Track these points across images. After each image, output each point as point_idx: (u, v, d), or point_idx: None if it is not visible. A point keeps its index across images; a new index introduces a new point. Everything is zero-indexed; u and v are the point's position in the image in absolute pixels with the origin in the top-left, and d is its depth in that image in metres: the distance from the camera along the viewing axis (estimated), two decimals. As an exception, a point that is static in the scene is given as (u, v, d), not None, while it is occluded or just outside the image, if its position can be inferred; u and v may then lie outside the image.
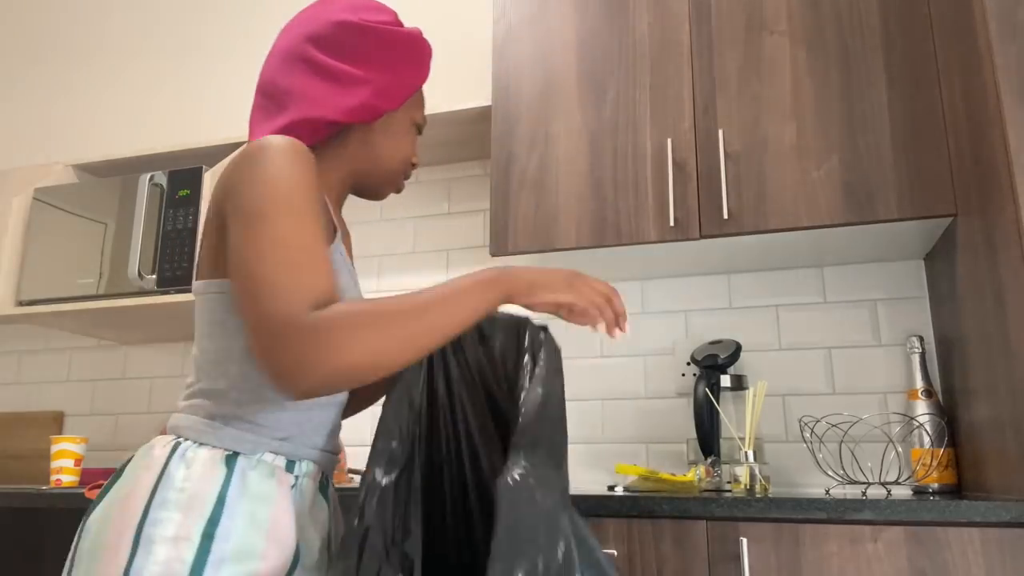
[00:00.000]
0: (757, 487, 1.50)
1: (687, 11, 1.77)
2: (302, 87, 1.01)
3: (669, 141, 1.68)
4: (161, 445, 0.91)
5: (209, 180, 1.97)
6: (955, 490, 1.56)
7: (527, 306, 0.96)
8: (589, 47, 1.83)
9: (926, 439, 1.59)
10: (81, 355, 2.53)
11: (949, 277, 1.60)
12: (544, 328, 1.03)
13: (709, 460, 1.65)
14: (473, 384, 1.05)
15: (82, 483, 2.01)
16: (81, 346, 2.53)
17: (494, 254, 1.78)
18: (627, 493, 1.37)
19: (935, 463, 1.55)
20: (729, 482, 1.64)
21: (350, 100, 1.01)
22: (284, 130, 1.00)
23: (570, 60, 1.83)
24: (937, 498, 1.22)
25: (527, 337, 1.01)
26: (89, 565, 0.84)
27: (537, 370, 0.95)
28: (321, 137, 1.03)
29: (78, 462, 1.99)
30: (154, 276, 1.93)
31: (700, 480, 1.60)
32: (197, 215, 1.94)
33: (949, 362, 1.63)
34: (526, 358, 0.99)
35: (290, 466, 0.93)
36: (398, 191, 1.15)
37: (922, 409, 1.61)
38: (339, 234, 1.01)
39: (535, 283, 0.95)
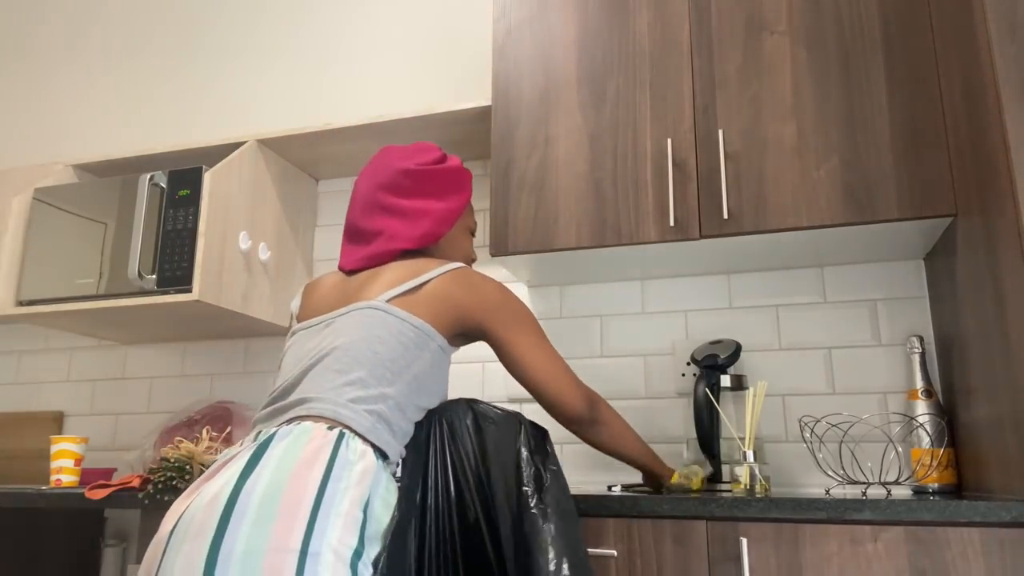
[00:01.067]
0: (757, 487, 1.50)
1: (687, 11, 1.77)
2: (380, 226, 1.36)
3: (669, 141, 1.68)
4: (322, 431, 1.08)
5: (209, 180, 1.96)
6: (955, 490, 1.56)
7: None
8: (589, 47, 1.83)
9: (926, 439, 1.59)
10: (81, 355, 2.53)
11: (949, 277, 1.60)
12: (545, 433, 1.24)
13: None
14: (463, 471, 1.20)
15: (82, 483, 2.01)
16: (81, 346, 2.53)
17: (494, 254, 1.78)
18: (627, 493, 1.37)
19: (935, 463, 1.55)
20: (729, 482, 1.63)
21: (416, 231, 1.36)
22: (368, 257, 1.35)
23: (570, 60, 1.83)
24: (937, 498, 1.22)
25: (523, 432, 1.20)
26: (260, 523, 0.95)
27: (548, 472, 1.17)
28: (431, 244, 1.39)
29: (78, 462, 1.99)
30: (154, 276, 1.93)
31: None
32: (197, 215, 1.94)
33: (949, 362, 1.63)
34: (523, 452, 1.18)
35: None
36: None
37: (922, 409, 1.61)
38: None
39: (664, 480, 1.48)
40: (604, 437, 1.36)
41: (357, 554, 0.98)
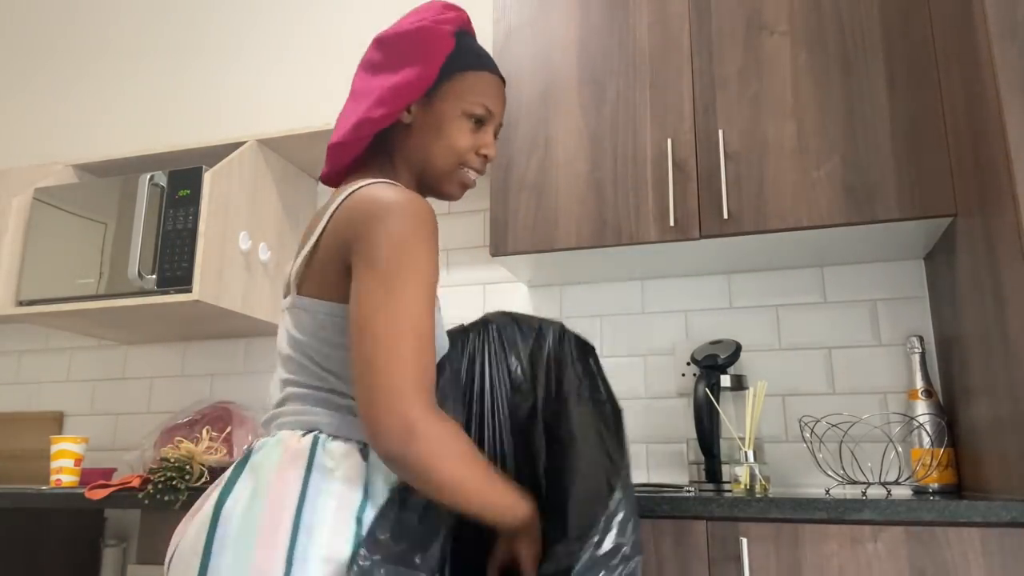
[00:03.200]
0: (757, 487, 1.50)
1: (687, 11, 1.77)
2: (350, 108, 1.11)
3: (669, 141, 1.68)
4: (296, 438, 0.97)
5: (209, 180, 1.96)
6: (955, 490, 1.56)
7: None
8: (589, 47, 1.82)
9: (926, 439, 1.59)
10: (81, 355, 2.53)
11: (949, 277, 1.60)
12: (585, 344, 1.14)
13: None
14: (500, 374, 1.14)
15: (82, 483, 2.01)
16: (81, 346, 2.53)
17: (494, 254, 1.78)
18: (627, 493, 1.37)
19: (935, 463, 1.55)
20: (729, 482, 1.64)
21: (346, 122, 1.09)
22: (335, 146, 1.09)
23: (570, 60, 1.83)
24: (937, 498, 1.22)
25: (564, 346, 1.14)
26: (241, 550, 0.88)
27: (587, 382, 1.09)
28: (365, 141, 1.09)
29: (78, 462, 1.99)
30: (154, 276, 1.93)
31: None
32: (197, 215, 1.93)
33: (949, 362, 1.63)
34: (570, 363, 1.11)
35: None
36: (464, 187, 1.15)
37: (922, 409, 1.61)
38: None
39: (517, 551, 1.02)
40: (424, 488, 0.92)
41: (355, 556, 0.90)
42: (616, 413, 1.06)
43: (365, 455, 0.97)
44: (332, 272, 0.99)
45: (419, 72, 1.07)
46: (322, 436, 0.97)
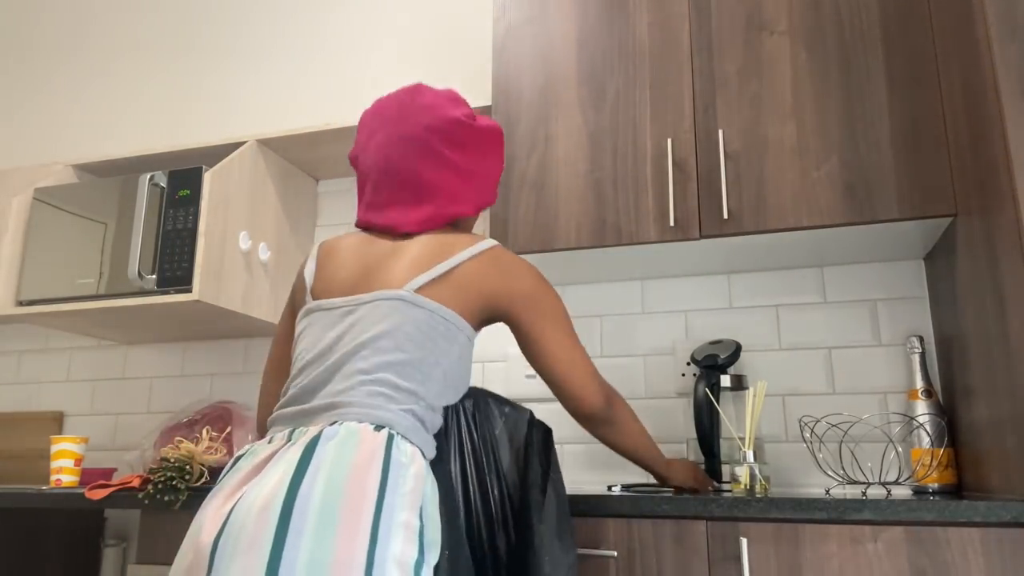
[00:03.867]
0: (757, 487, 1.50)
1: (687, 11, 1.77)
2: (438, 180, 1.24)
3: (669, 141, 1.68)
4: (370, 432, 1.03)
5: (209, 180, 1.96)
6: (955, 490, 1.56)
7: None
8: (589, 47, 1.82)
9: (926, 439, 1.59)
10: (81, 355, 2.53)
11: (949, 277, 1.60)
12: (548, 431, 1.25)
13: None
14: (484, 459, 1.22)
15: (82, 483, 2.01)
16: (81, 346, 2.53)
17: (494, 254, 1.78)
18: (627, 493, 1.37)
19: (935, 463, 1.55)
20: (729, 482, 1.63)
21: (479, 197, 1.29)
22: (427, 220, 1.23)
23: (570, 60, 1.83)
24: (937, 498, 1.22)
25: (533, 433, 1.23)
26: (320, 543, 0.90)
27: (551, 473, 1.19)
28: (444, 224, 1.26)
29: (78, 462, 1.99)
30: (154, 276, 1.93)
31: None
32: (197, 215, 1.93)
33: (949, 362, 1.63)
34: (531, 449, 1.21)
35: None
36: None
37: (922, 409, 1.61)
38: None
39: (674, 482, 1.44)
40: (616, 437, 1.32)
41: (418, 565, 0.95)
42: (561, 496, 1.19)
43: (425, 458, 1.08)
44: (473, 298, 1.19)
45: (502, 164, 1.35)
46: (396, 435, 1.04)
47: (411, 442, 1.06)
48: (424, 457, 1.07)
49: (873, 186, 1.55)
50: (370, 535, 0.91)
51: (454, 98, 1.30)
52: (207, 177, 1.97)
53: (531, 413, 1.25)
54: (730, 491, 1.53)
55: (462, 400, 1.22)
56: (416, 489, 1.00)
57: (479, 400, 1.23)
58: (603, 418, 1.27)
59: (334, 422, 1.04)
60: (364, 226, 1.29)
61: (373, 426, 1.04)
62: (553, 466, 1.19)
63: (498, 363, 2.08)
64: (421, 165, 1.23)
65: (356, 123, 2.04)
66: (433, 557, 0.99)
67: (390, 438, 1.03)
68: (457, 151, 1.25)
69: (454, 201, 1.24)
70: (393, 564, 0.91)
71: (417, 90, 1.29)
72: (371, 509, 0.93)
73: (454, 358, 1.16)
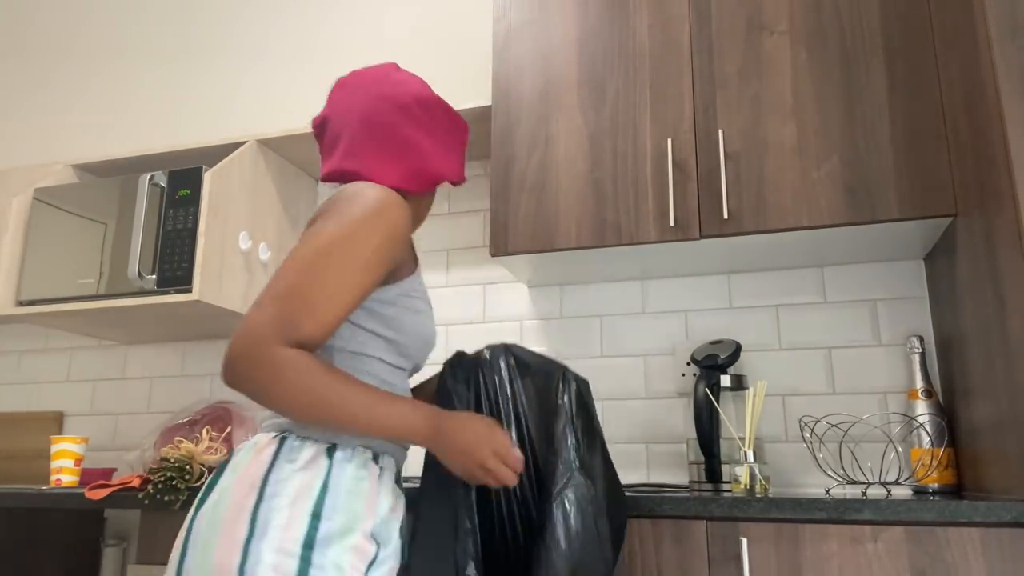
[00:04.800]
0: (757, 487, 1.50)
1: (687, 11, 1.77)
2: (420, 142, 1.19)
3: (669, 141, 1.68)
4: (267, 440, 1.04)
5: (209, 180, 1.96)
6: (955, 490, 1.56)
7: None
8: (589, 47, 1.82)
9: (926, 439, 1.59)
10: (81, 355, 2.53)
11: (949, 277, 1.60)
12: (584, 383, 1.18)
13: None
14: (509, 410, 1.19)
15: (82, 483, 2.01)
16: (81, 346, 2.53)
17: (494, 254, 1.78)
18: (627, 493, 1.37)
19: (935, 463, 1.55)
20: (729, 482, 1.64)
21: (455, 168, 1.23)
22: (405, 177, 1.16)
23: (570, 60, 1.83)
24: (937, 498, 1.22)
25: (565, 385, 1.17)
26: (206, 549, 0.94)
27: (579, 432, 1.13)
28: (428, 188, 1.20)
29: (78, 462, 1.99)
30: (154, 276, 1.93)
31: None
32: (197, 215, 1.94)
33: (949, 362, 1.63)
34: (564, 400, 1.15)
35: (375, 458, 1.08)
36: None
37: (922, 409, 1.61)
38: (419, 266, 1.20)
39: (446, 461, 1.07)
40: (279, 390, 0.96)
41: (306, 560, 0.94)
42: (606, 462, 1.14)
43: (331, 454, 1.03)
44: None
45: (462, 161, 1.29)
46: (290, 437, 1.04)
47: (312, 440, 1.04)
48: (333, 449, 1.04)
49: (873, 186, 1.55)
50: (247, 531, 0.94)
51: (416, 80, 1.26)
52: (207, 177, 1.97)
53: (563, 367, 1.19)
54: (730, 491, 1.53)
55: (479, 365, 1.20)
56: (309, 479, 0.99)
57: (496, 360, 1.19)
58: (250, 358, 0.95)
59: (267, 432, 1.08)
60: (336, 174, 1.20)
61: (275, 434, 1.05)
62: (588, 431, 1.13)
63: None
64: (403, 126, 1.19)
65: (356, 123, 2.04)
66: (343, 546, 0.97)
67: (282, 440, 1.03)
68: (435, 122, 1.22)
69: (433, 161, 1.19)
70: (271, 552, 0.93)
71: (394, 67, 1.27)
72: (250, 507, 0.96)
73: (349, 337, 1.09)
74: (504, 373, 1.19)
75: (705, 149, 1.68)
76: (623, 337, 2.00)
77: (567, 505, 1.08)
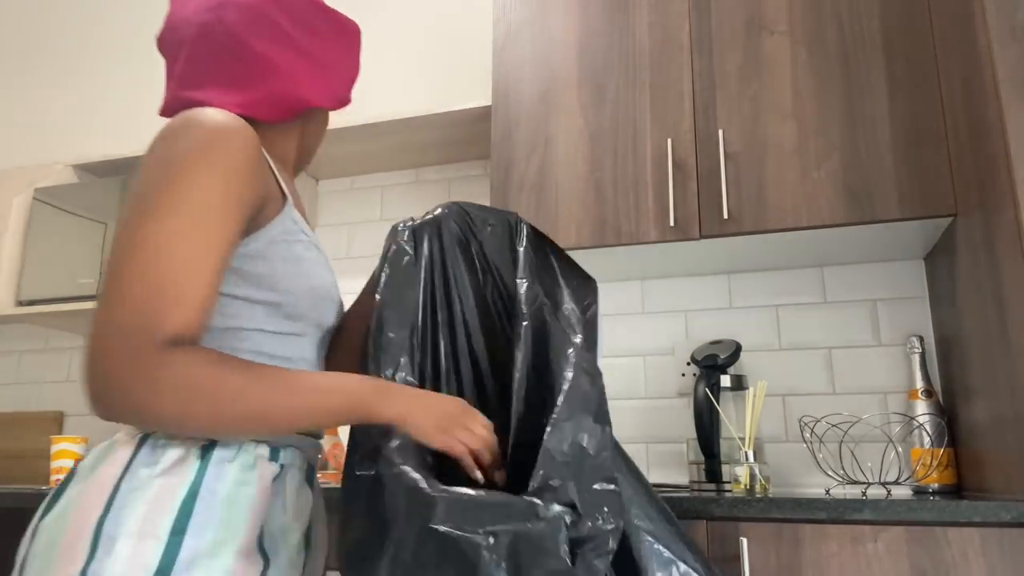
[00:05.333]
0: (757, 487, 1.50)
1: (687, 11, 1.77)
2: (284, 61, 0.94)
3: (669, 141, 1.68)
4: (126, 439, 0.84)
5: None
6: (955, 490, 1.56)
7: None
8: (589, 47, 1.83)
9: (926, 439, 1.59)
10: (81, 355, 2.53)
11: (949, 277, 1.60)
12: (533, 229, 1.03)
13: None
14: (465, 278, 1.02)
15: (82, 483, 2.01)
16: (81, 346, 2.53)
17: (494, 254, 1.78)
18: (627, 493, 1.37)
19: (935, 463, 1.55)
20: (729, 482, 1.64)
21: (331, 88, 1.00)
22: (255, 103, 0.93)
23: (570, 60, 1.83)
24: (937, 498, 1.22)
25: (520, 235, 1.01)
26: (44, 563, 0.77)
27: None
28: (290, 115, 0.97)
29: (78, 462, 1.99)
30: (154, 276, 1.93)
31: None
32: (197, 215, 1.93)
33: (949, 362, 1.63)
34: (520, 258, 0.98)
35: (274, 455, 0.88)
36: None
37: (922, 409, 1.61)
38: (290, 201, 0.95)
39: (409, 420, 0.85)
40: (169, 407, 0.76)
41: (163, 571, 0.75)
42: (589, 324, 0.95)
43: (205, 454, 0.83)
44: None
45: (357, 65, 1.09)
46: (152, 438, 0.83)
47: (180, 440, 0.83)
48: (210, 448, 0.83)
49: (873, 186, 1.55)
50: (88, 549, 0.76)
51: None
52: (207, 177, 1.96)
53: (517, 216, 1.04)
54: (730, 491, 1.53)
55: (425, 228, 1.01)
56: (171, 485, 0.80)
57: (449, 221, 1.02)
58: (124, 382, 0.74)
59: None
60: (174, 105, 0.96)
61: (140, 434, 0.84)
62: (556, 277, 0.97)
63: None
64: (255, 34, 0.93)
65: (356, 123, 2.04)
66: (212, 564, 0.78)
67: (141, 442, 0.83)
68: (308, 35, 0.98)
69: (297, 85, 0.95)
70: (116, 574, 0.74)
71: None
72: (94, 521, 0.77)
73: (240, 290, 0.88)
74: (455, 236, 1.02)
75: (705, 149, 1.68)
76: (623, 337, 2.00)
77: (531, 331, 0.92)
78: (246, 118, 0.96)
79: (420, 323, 0.98)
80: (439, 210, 1.05)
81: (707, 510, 1.27)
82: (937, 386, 1.71)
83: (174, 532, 0.78)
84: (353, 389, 0.83)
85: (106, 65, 2.80)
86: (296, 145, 1.04)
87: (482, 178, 2.23)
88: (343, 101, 1.03)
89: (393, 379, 0.92)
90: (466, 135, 2.09)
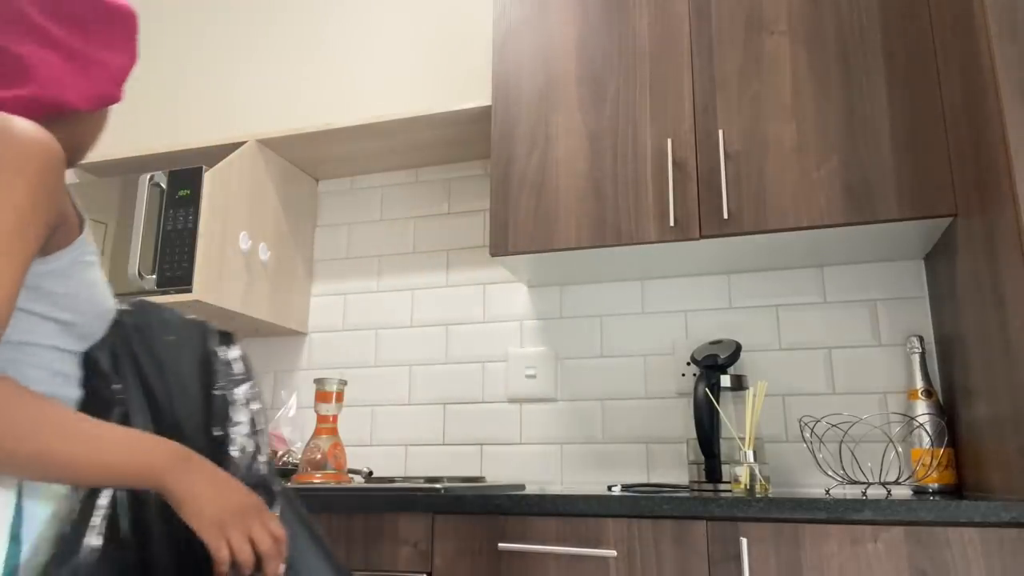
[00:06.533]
0: (757, 487, 1.50)
1: (687, 11, 1.77)
2: (37, 60, 0.87)
3: (669, 141, 1.68)
4: None
5: (209, 180, 1.96)
6: (955, 490, 1.56)
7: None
8: (589, 47, 1.83)
9: (926, 439, 1.59)
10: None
11: (949, 277, 1.60)
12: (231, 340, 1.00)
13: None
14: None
15: (82, 483, 2.01)
16: (81, 346, 2.53)
17: (494, 254, 1.78)
18: (627, 493, 1.37)
19: (935, 463, 1.55)
20: (729, 482, 1.64)
21: (94, 87, 0.93)
22: (9, 104, 0.87)
23: (570, 60, 1.83)
24: (937, 498, 1.22)
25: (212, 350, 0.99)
26: None
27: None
28: (48, 118, 0.90)
29: None
30: (154, 276, 1.93)
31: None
32: (197, 215, 1.94)
33: (949, 362, 1.63)
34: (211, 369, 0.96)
35: None
36: None
37: (922, 409, 1.61)
38: (87, 221, 0.93)
39: (190, 500, 0.81)
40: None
41: None
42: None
43: None
44: None
45: (132, 59, 1.02)
46: None
47: None
48: None
49: (873, 186, 1.55)
50: None
51: None
52: (207, 177, 1.97)
53: (203, 325, 0.99)
54: (730, 491, 1.53)
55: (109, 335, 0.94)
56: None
57: (126, 328, 0.96)
58: None
59: None
60: None
61: None
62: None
63: (498, 363, 2.08)
64: (10, 35, 0.87)
65: (356, 123, 2.04)
66: None
67: None
68: (65, 26, 0.90)
69: (54, 86, 0.88)
70: None
71: None
72: None
73: (38, 306, 0.85)
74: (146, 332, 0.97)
75: (705, 149, 1.68)
76: (623, 337, 2.00)
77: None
78: None
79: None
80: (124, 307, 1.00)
81: (707, 510, 1.27)
82: (937, 386, 1.71)
83: None
84: (149, 448, 0.80)
85: (106, 65, 2.80)
86: (65, 146, 0.95)
87: (482, 178, 2.23)
88: (109, 99, 0.95)
89: None
90: (466, 135, 2.09)
